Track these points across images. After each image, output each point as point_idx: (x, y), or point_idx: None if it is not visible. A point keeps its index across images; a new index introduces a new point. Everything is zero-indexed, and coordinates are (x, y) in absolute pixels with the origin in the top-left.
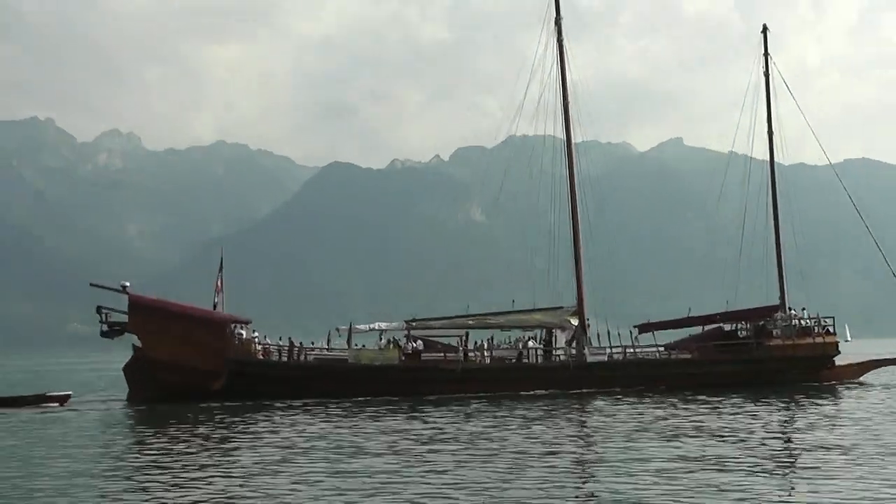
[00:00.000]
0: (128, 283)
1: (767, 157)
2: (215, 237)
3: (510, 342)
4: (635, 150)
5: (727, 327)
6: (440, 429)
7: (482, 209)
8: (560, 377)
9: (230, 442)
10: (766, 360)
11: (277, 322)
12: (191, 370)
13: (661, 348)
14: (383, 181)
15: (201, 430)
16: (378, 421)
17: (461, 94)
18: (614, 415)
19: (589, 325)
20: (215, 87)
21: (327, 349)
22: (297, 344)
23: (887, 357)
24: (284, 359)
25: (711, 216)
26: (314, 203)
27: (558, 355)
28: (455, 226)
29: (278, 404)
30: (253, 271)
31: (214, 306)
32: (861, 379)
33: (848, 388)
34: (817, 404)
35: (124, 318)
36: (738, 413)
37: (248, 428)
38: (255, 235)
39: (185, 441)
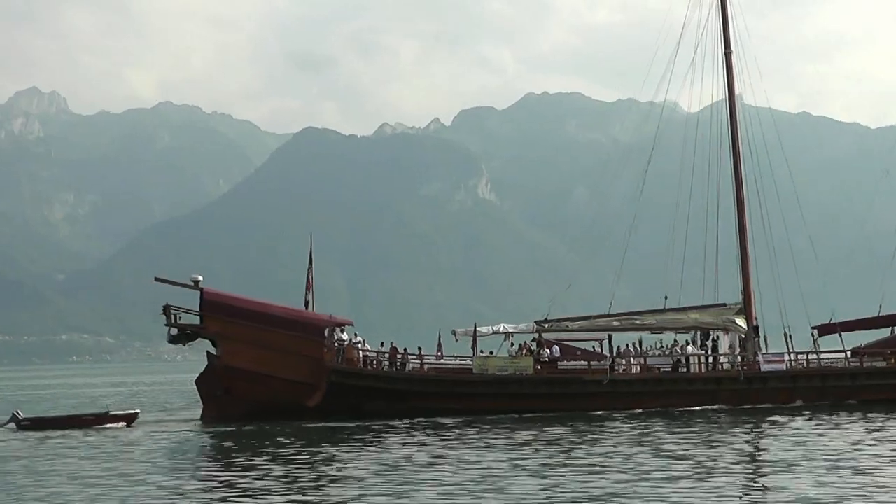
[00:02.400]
0: (200, 277)
1: None
2: (160, 222)
3: (661, 347)
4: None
5: None
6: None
7: (492, 185)
8: (728, 391)
9: (344, 479)
10: None
11: None
12: (281, 383)
13: (848, 354)
14: (370, 151)
15: (301, 457)
16: (549, 448)
17: (466, 43)
18: (813, 441)
19: (754, 326)
20: (159, 36)
21: (438, 356)
22: (401, 350)
23: None
24: (389, 368)
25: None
26: (284, 179)
27: (722, 363)
28: (459, 205)
29: (392, 424)
30: (208, 263)
31: (307, 305)
32: None
33: None
34: None
35: (197, 320)
36: None
37: (364, 456)
38: (211, 220)
39: (281, 475)
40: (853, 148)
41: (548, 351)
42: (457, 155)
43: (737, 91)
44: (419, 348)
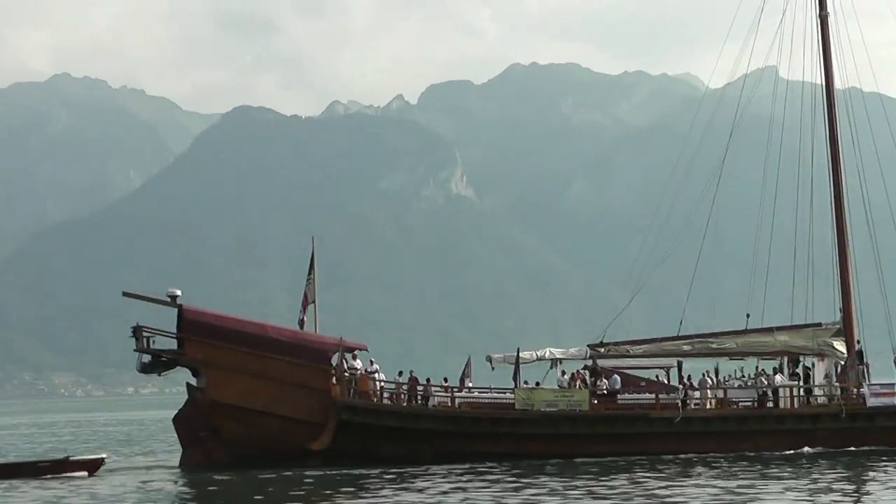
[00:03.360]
0: (178, 292)
1: None
2: (56, 223)
3: (742, 377)
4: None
5: None
6: None
7: (468, 177)
8: (827, 430)
9: None
10: None
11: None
12: (279, 421)
13: None
14: (318, 135)
15: None
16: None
17: (436, 2)
18: None
19: (860, 350)
20: None
21: (469, 388)
22: (422, 382)
23: None
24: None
25: None
26: (210, 170)
27: (818, 396)
28: (429, 203)
29: (417, 472)
30: (117, 271)
31: (301, 324)
32: None
33: None
34: None
35: (174, 344)
36: None
37: None
38: (120, 219)
39: None
40: None
41: (606, 381)
42: (425, 141)
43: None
44: (444, 379)
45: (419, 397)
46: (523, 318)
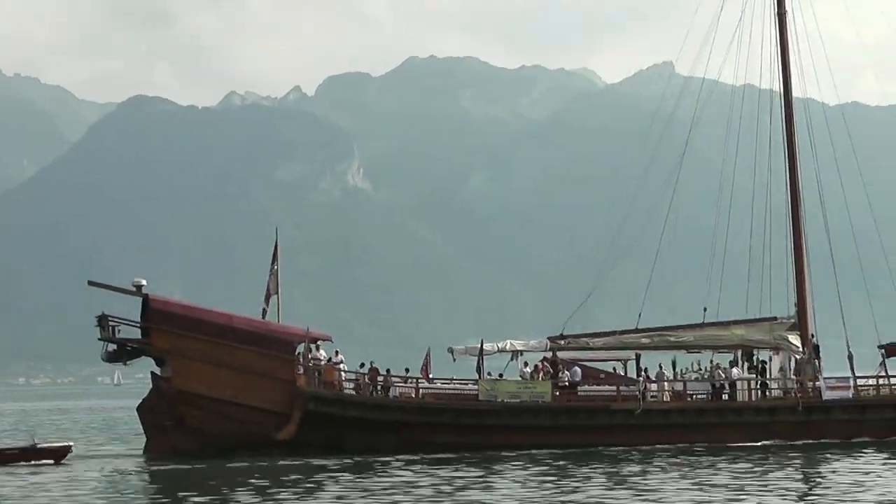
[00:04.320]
0: (143, 281)
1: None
2: None
3: (699, 370)
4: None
5: None
6: None
7: (366, 170)
8: (784, 423)
9: None
10: None
11: (57, 347)
12: (245, 411)
13: None
14: (215, 126)
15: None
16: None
17: None
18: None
19: (814, 343)
20: None
21: (427, 378)
22: (382, 372)
23: None
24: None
25: None
26: (106, 159)
27: (773, 390)
28: (325, 195)
29: (382, 461)
30: (7, 266)
31: (264, 314)
32: None
33: None
34: None
35: (138, 333)
36: None
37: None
38: (11, 210)
39: None
40: None
41: (567, 373)
42: (322, 132)
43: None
44: (406, 370)
45: (379, 388)
46: (420, 312)
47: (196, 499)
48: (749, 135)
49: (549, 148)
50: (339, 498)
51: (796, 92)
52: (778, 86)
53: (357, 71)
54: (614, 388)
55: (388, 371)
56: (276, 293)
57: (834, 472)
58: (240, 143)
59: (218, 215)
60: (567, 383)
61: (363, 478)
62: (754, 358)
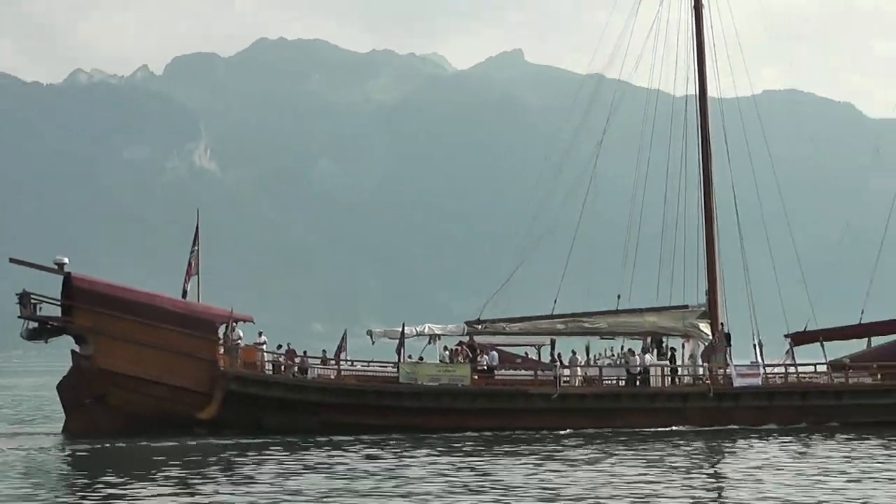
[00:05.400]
0: (65, 260)
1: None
2: None
3: (612, 356)
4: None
5: None
6: None
7: (212, 151)
8: (696, 409)
9: None
10: None
11: None
12: (167, 390)
13: (828, 368)
14: (59, 104)
15: (188, 482)
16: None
17: None
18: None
19: (725, 331)
20: None
21: (344, 360)
22: (299, 353)
23: None
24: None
25: None
26: None
27: (684, 377)
28: (172, 174)
29: (302, 443)
30: None
31: (184, 294)
32: None
33: None
34: None
35: (59, 311)
36: None
37: (262, 483)
38: None
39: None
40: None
41: (486, 357)
42: (170, 112)
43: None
44: (323, 352)
45: (297, 369)
46: (268, 294)
47: (114, 478)
48: (664, 124)
49: (398, 132)
50: (254, 477)
51: (710, 86)
52: (693, 78)
53: (206, 51)
54: (532, 372)
55: (304, 353)
56: (197, 274)
57: (739, 457)
58: (86, 122)
59: (63, 196)
60: (486, 367)
61: (281, 458)
62: (663, 345)
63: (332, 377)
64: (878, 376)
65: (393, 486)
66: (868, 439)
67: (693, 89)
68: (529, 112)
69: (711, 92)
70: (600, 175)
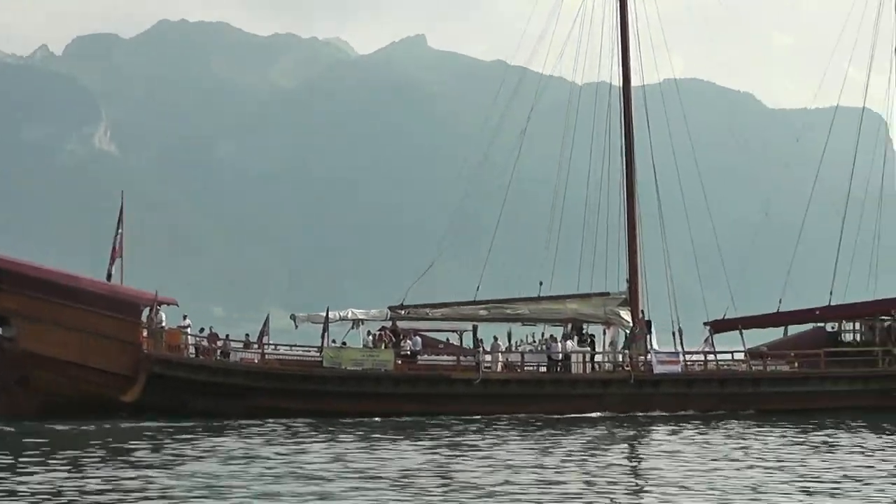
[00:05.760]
0: None
1: None
2: None
3: (533, 342)
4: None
5: (830, 327)
6: None
7: (112, 133)
8: (616, 395)
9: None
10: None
11: None
12: (90, 373)
13: (746, 356)
14: None
15: (108, 465)
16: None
17: None
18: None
19: (645, 319)
20: None
21: (273, 345)
22: (221, 337)
23: None
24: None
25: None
26: None
27: (604, 363)
28: (70, 156)
29: (227, 426)
30: None
31: (109, 277)
32: None
33: None
34: None
35: None
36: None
37: (183, 467)
38: None
39: (77, 486)
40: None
41: (410, 342)
42: (69, 93)
43: None
44: (246, 335)
45: (220, 353)
46: (166, 277)
47: (33, 461)
48: (588, 109)
49: (300, 115)
50: (176, 458)
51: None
52: (617, 66)
53: (107, 32)
54: (454, 357)
55: (227, 336)
56: (121, 256)
57: (658, 442)
58: None
59: None
60: (409, 352)
61: (203, 441)
62: (584, 332)
63: (256, 361)
64: (796, 364)
65: (288, 471)
66: (781, 426)
67: (598, 77)
68: (432, 97)
69: (615, 80)
70: (521, 163)
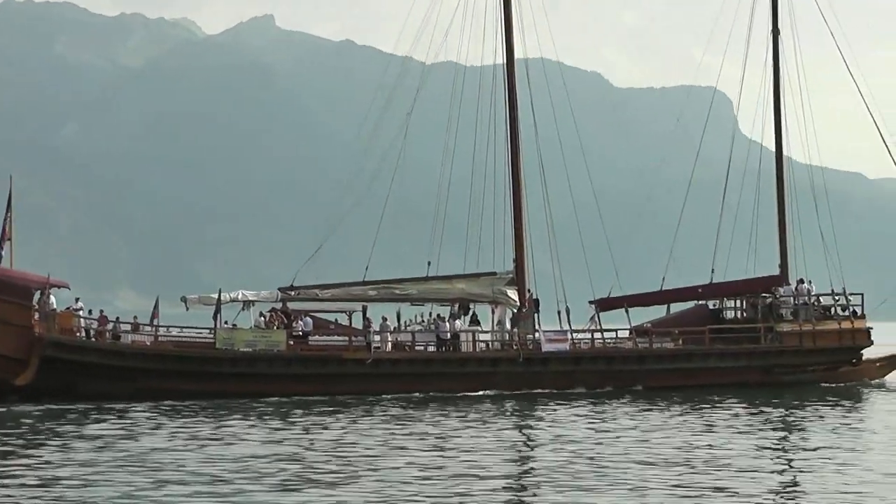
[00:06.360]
0: None
1: None
2: None
3: (422, 322)
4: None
5: (712, 305)
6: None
7: None
8: (505, 374)
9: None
10: (778, 352)
11: None
12: None
13: (631, 333)
14: None
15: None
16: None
17: None
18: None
19: (534, 298)
20: None
21: (165, 327)
22: (111, 319)
23: None
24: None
25: None
26: None
27: (492, 342)
28: None
29: (122, 410)
30: None
31: None
32: (887, 378)
33: (880, 393)
34: (854, 421)
35: None
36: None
37: (74, 452)
38: None
39: None
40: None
41: (300, 323)
42: None
43: None
44: (135, 317)
45: (110, 335)
46: (16, 257)
47: None
48: (473, 91)
49: (147, 97)
50: (67, 444)
51: (518, 53)
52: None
53: None
54: (346, 338)
55: (117, 318)
56: (10, 239)
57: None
58: None
59: None
60: (300, 333)
61: (94, 424)
62: (471, 311)
63: (148, 343)
64: (680, 341)
65: (141, 454)
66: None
67: (482, 60)
68: (279, 77)
69: (464, 59)
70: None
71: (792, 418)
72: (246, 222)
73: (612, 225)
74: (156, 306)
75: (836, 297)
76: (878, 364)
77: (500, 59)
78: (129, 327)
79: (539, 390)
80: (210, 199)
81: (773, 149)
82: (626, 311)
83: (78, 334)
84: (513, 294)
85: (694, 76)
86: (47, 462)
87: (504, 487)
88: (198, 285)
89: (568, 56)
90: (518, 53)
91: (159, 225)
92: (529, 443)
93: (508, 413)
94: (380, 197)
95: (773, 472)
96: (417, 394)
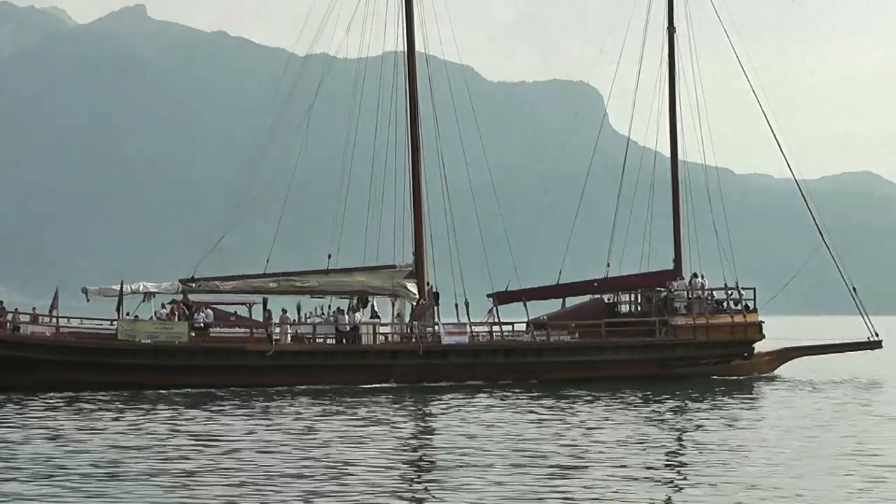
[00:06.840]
0: None
1: None
2: None
3: (322, 314)
4: None
5: (608, 298)
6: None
7: None
8: (405, 366)
9: None
10: (672, 345)
11: None
12: None
13: (528, 326)
14: None
15: None
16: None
17: None
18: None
19: (434, 291)
20: None
21: (66, 318)
22: (10, 310)
23: (809, 344)
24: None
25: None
26: None
27: (392, 334)
28: None
29: (20, 401)
30: None
31: None
32: (777, 372)
33: (771, 386)
34: (749, 414)
35: None
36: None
37: None
38: None
39: None
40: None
41: (202, 315)
42: None
43: None
44: (33, 309)
45: (10, 326)
46: None
47: None
48: (373, 82)
49: (15, 86)
50: None
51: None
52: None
53: None
54: (247, 330)
55: (16, 310)
56: None
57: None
58: None
59: None
60: (202, 324)
61: None
62: (370, 304)
63: (48, 334)
64: (577, 334)
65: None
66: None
67: (383, 48)
68: (150, 68)
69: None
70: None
71: (681, 410)
72: (119, 215)
73: (510, 219)
74: (55, 297)
75: (729, 292)
76: (767, 358)
77: (376, 51)
78: (28, 318)
79: (439, 383)
80: (76, 186)
81: (642, 143)
82: (524, 304)
83: None
84: (412, 287)
85: (569, 72)
86: None
87: (366, 482)
88: (62, 274)
89: (439, 49)
90: (389, 46)
91: (24, 214)
92: (411, 436)
93: (398, 406)
94: (280, 192)
95: (649, 460)
96: (319, 386)
